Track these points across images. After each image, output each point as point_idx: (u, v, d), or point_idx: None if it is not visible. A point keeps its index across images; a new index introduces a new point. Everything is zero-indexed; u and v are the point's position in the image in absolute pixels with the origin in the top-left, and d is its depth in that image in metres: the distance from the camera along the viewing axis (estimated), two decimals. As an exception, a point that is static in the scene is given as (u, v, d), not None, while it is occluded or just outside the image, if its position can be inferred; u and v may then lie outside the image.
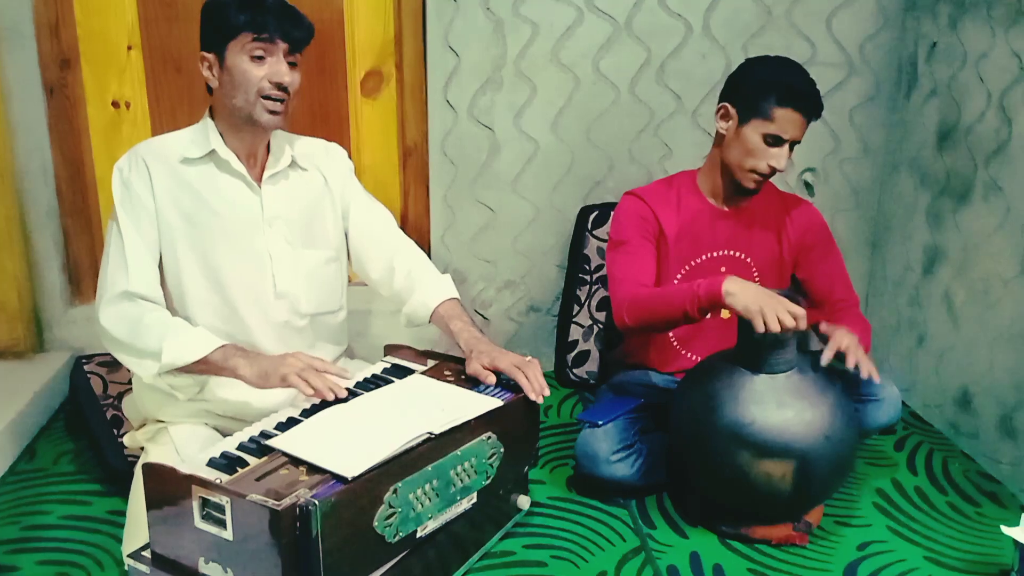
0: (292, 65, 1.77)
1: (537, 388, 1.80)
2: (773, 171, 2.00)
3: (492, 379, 1.82)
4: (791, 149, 2.00)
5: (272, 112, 1.76)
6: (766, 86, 1.96)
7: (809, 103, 1.97)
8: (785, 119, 1.95)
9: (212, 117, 1.83)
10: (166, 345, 1.69)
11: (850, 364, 1.90)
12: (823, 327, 1.99)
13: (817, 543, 1.95)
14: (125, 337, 1.72)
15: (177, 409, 1.86)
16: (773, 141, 1.97)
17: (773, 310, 1.77)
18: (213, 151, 1.81)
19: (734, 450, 1.83)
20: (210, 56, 1.76)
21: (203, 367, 1.72)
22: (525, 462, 1.89)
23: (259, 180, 1.86)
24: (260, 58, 1.73)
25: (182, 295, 1.81)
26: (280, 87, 1.74)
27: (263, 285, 1.86)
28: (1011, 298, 2.20)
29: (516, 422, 1.80)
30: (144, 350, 1.71)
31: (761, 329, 1.77)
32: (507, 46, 2.56)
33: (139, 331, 1.71)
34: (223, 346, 1.72)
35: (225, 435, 1.79)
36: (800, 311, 1.77)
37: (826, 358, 1.89)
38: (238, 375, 1.70)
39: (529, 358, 1.85)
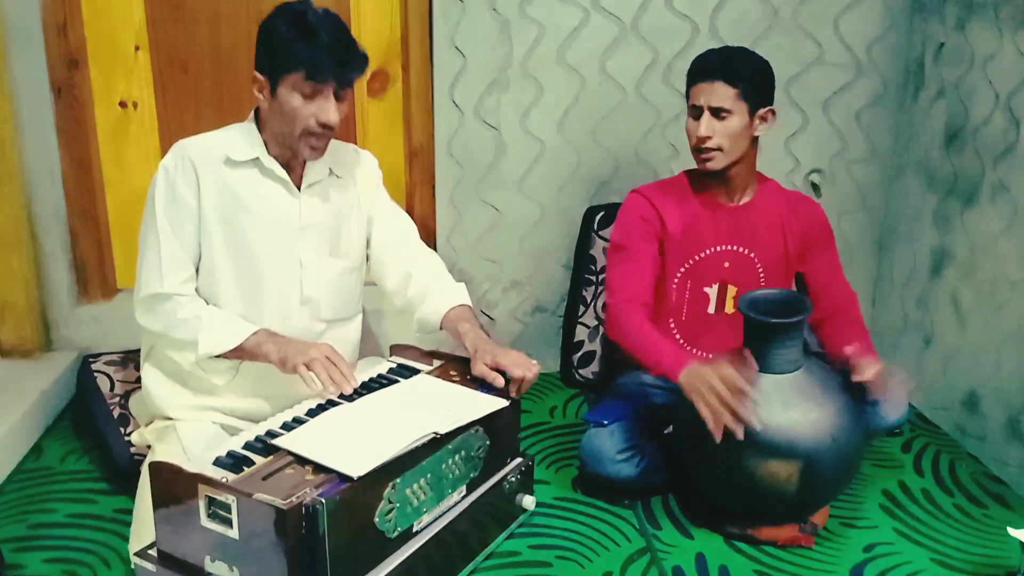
0: (340, 98, 1.78)
1: (522, 388, 1.85)
2: (705, 142, 2.02)
3: (500, 381, 1.83)
4: (718, 116, 2.00)
5: (314, 148, 1.79)
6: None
7: (702, 65, 2.03)
8: (698, 91, 2.02)
9: (257, 120, 1.85)
10: (202, 336, 1.76)
11: (874, 395, 1.89)
12: (848, 350, 1.94)
13: (823, 544, 1.95)
14: (162, 331, 1.81)
15: (186, 405, 1.89)
16: (696, 113, 2.03)
17: (711, 398, 1.77)
18: (257, 158, 1.83)
19: (739, 451, 1.83)
20: (262, 79, 1.77)
21: (238, 354, 1.79)
22: (508, 453, 1.89)
23: (298, 186, 1.88)
24: (310, 95, 1.74)
25: (215, 297, 1.85)
26: (325, 125, 1.76)
27: (290, 291, 1.89)
28: (1018, 300, 2.19)
29: (499, 414, 1.80)
30: (181, 341, 1.79)
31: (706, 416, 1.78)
32: (513, 47, 2.56)
33: (174, 326, 1.79)
34: (256, 332, 1.78)
35: (232, 434, 1.80)
36: (741, 385, 1.76)
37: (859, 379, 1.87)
38: (269, 360, 1.77)
39: (534, 361, 1.86)
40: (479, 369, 1.84)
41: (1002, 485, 2.21)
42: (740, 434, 1.76)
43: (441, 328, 2.00)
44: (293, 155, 1.85)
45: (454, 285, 2.03)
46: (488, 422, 1.77)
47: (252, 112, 1.87)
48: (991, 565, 1.88)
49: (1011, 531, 1.76)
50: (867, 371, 1.87)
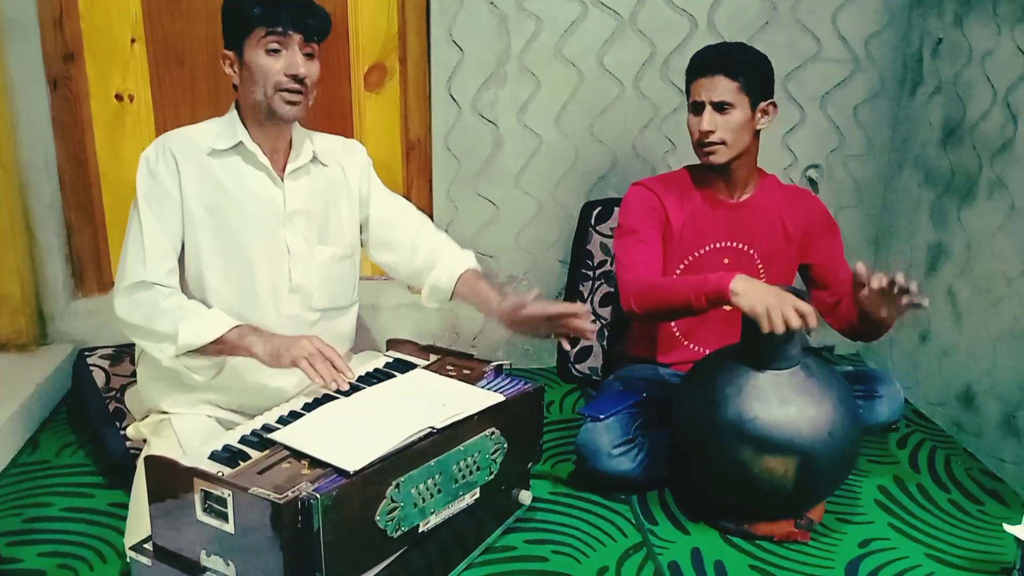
0: (309, 56, 1.79)
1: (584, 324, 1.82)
2: (708, 136, 2.03)
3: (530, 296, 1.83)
4: (720, 110, 2.01)
5: (290, 103, 1.78)
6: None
7: (702, 61, 2.05)
8: (699, 86, 2.03)
9: (238, 111, 1.85)
10: (182, 327, 1.71)
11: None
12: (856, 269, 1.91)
13: (819, 540, 1.95)
14: (141, 323, 1.76)
15: (181, 399, 1.88)
16: (697, 109, 2.04)
17: (779, 310, 1.75)
18: (240, 143, 1.83)
19: (737, 446, 1.83)
20: (230, 54, 1.79)
21: (219, 347, 1.74)
22: (529, 458, 1.89)
23: (282, 174, 1.87)
24: (276, 51, 1.75)
25: (202, 286, 1.83)
26: (296, 78, 1.76)
27: (279, 278, 1.88)
28: (1015, 296, 2.19)
29: (520, 418, 1.80)
30: (161, 333, 1.74)
31: (767, 330, 1.76)
32: (511, 41, 2.55)
33: (155, 316, 1.74)
34: (238, 326, 1.75)
35: (228, 428, 1.80)
36: (807, 308, 1.76)
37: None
38: (252, 353, 1.73)
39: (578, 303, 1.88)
40: (514, 302, 1.84)
41: (997, 481, 2.21)
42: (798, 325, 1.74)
43: (452, 296, 2.00)
44: (276, 138, 1.85)
45: (462, 251, 2.05)
46: (507, 425, 1.76)
47: (233, 103, 1.87)
48: (986, 561, 1.88)
49: (1006, 527, 1.76)
50: (876, 278, 1.84)
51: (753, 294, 1.80)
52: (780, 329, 1.75)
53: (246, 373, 1.84)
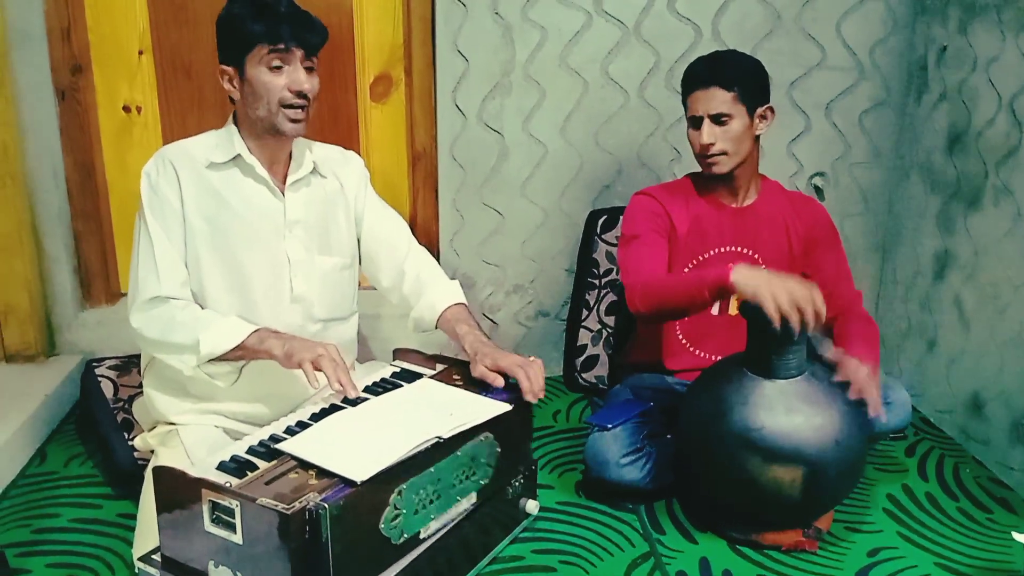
0: (309, 70, 1.80)
1: (535, 388, 1.79)
2: (709, 149, 2.03)
3: (500, 381, 1.83)
4: (719, 122, 2.02)
5: (294, 120, 1.79)
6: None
7: (695, 74, 2.05)
8: (696, 100, 2.04)
9: (236, 123, 1.86)
10: (203, 337, 1.72)
11: (851, 395, 1.87)
12: (831, 353, 1.95)
13: (827, 549, 1.95)
14: (159, 336, 1.77)
15: (188, 410, 1.89)
16: (696, 123, 2.05)
17: (786, 293, 1.71)
18: (238, 156, 1.83)
19: (743, 455, 1.82)
20: (229, 69, 1.80)
21: (240, 353, 1.75)
22: (520, 461, 1.89)
23: (282, 186, 1.88)
24: (278, 67, 1.76)
25: (203, 297, 1.84)
26: (300, 94, 1.77)
27: (280, 289, 1.89)
28: (1021, 303, 2.19)
29: (511, 422, 1.80)
30: (181, 345, 1.75)
31: (775, 318, 1.71)
32: (516, 51, 2.56)
33: (173, 328, 1.76)
34: (257, 330, 1.76)
35: (235, 438, 1.80)
36: (816, 294, 1.72)
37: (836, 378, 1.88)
38: (273, 356, 1.74)
39: (532, 358, 1.85)
40: (479, 371, 1.84)
41: (1006, 489, 2.20)
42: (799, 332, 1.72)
43: (436, 327, 2.00)
44: (275, 151, 1.86)
45: (448, 283, 2.04)
46: (499, 430, 1.76)
47: (231, 116, 1.88)
48: (995, 569, 1.87)
49: (1015, 535, 1.76)
50: (847, 373, 1.88)
51: (755, 280, 1.76)
52: (789, 312, 1.70)
53: (262, 379, 1.84)
